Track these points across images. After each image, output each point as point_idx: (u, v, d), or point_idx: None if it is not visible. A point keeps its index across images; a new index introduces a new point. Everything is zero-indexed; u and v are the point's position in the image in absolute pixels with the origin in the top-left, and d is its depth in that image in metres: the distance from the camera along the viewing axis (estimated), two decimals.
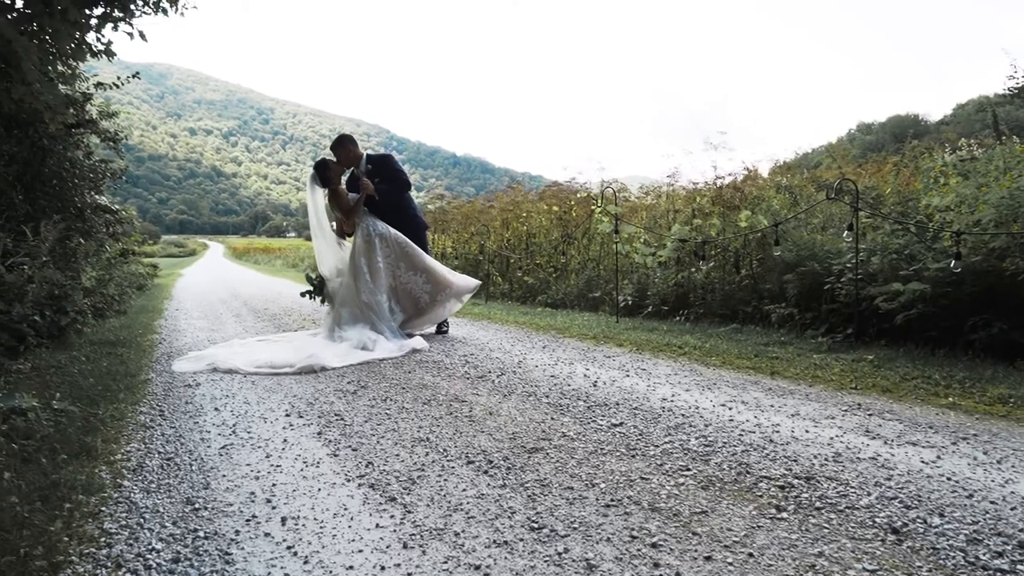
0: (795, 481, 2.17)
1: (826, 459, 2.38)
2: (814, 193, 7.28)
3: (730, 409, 3.12)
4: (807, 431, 2.73)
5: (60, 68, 6.22)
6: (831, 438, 2.63)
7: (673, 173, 8.38)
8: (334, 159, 5.54)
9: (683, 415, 3.02)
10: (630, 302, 7.21)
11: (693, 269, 6.80)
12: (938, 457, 2.39)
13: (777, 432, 2.72)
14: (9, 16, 4.61)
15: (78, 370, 4.00)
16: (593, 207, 8.61)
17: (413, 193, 6.12)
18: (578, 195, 10.28)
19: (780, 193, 7.32)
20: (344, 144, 5.61)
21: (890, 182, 6.74)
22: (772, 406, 3.17)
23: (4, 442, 2.46)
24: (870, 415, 2.99)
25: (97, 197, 8.19)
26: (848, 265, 4.98)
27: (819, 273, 5.26)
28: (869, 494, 2.05)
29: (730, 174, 7.51)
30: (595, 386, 3.67)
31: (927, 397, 3.30)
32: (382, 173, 5.58)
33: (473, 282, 5.82)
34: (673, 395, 3.42)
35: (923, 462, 2.34)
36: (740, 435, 2.69)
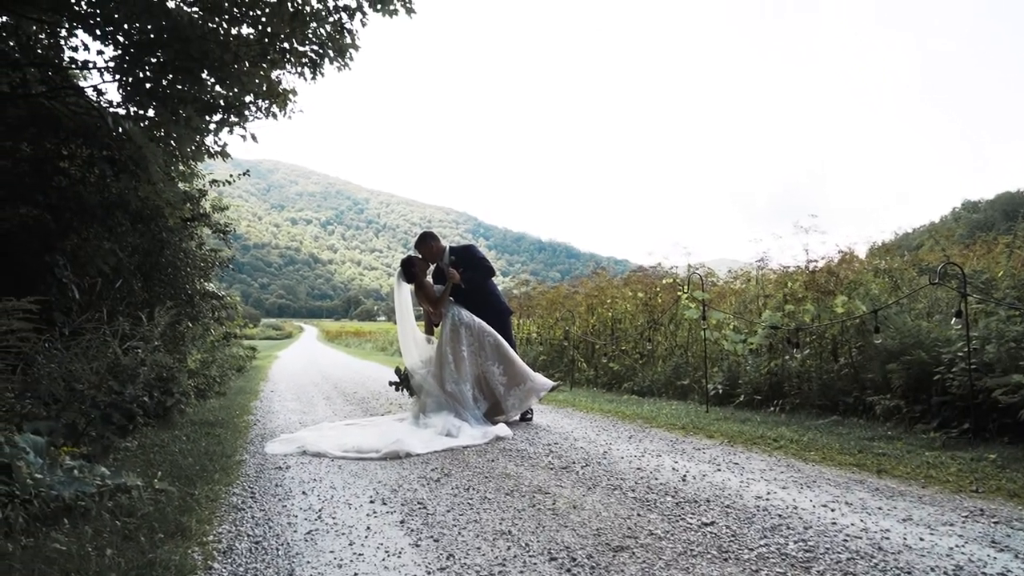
0: None
1: (945, 573, 2.15)
2: (915, 277, 6.91)
3: (832, 510, 2.90)
4: (922, 539, 2.49)
5: (181, 168, 6.88)
6: (950, 548, 2.38)
7: (762, 257, 8.18)
8: (419, 255, 5.79)
9: (780, 515, 2.83)
10: (720, 391, 6.94)
11: (787, 357, 6.51)
12: None
13: (887, 539, 2.50)
14: (142, 124, 5.18)
15: (179, 449, 4.21)
16: (679, 292, 8.48)
17: (499, 279, 6.26)
18: (664, 280, 10.18)
19: (879, 277, 6.99)
20: (426, 241, 5.87)
21: (1002, 264, 6.32)
22: (880, 508, 2.92)
23: (109, 519, 2.59)
24: (996, 523, 2.70)
25: (206, 284, 8.82)
26: (960, 354, 4.64)
27: (927, 362, 4.91)
28: None
29: (823, 257, 7.26)
30: (684, 481, 3.51)
31: None
32: (465, 262, 5.80)
33: (549, 382, 5.86)
34: (768, 493, 3.22)
35: None
36: (844, 540, 2.48)
